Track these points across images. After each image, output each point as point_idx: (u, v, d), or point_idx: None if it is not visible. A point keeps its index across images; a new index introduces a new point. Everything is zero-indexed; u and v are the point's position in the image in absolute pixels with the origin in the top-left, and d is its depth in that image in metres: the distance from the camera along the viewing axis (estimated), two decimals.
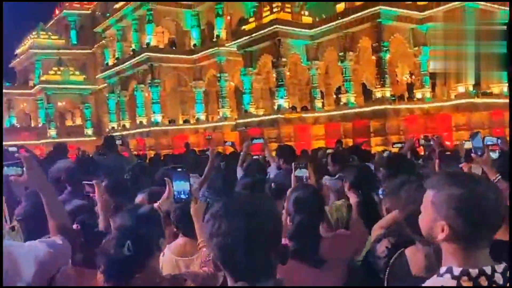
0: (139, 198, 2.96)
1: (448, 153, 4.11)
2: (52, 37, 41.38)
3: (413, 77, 26.61)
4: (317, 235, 2.35)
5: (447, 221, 1.35)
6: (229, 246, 1.27)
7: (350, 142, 21.46)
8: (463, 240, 1.35)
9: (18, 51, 44.53)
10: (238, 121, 25.38)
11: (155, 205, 2.23)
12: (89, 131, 38.50)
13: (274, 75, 23.95)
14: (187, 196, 2.28)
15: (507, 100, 21.56)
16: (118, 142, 6.57)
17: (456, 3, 19.94)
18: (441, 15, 20.71)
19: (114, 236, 1.77)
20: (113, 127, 34.03)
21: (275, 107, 23.33)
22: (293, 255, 2.12)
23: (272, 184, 3.37)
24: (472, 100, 20.12)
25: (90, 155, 8.82)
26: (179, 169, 2.35)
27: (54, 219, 1.94)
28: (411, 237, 1.99)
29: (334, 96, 27.95)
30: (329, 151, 6.95)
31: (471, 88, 20.51)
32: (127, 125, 32.12)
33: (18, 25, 45.72)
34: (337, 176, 4.17)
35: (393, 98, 21.19)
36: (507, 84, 22.08)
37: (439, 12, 20.72)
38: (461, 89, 20.53)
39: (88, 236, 2.13)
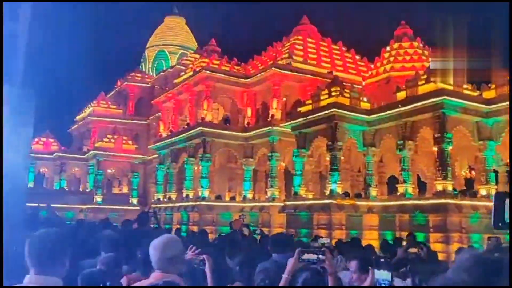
0: None
1: None
2: (111, 106, 43.07)
3: (473, 172, 25.34)
4: None
5: None
6: None
7: (405, 235, 20.11)
8: None
9: (77, 117, 46.50)
10: (287, 203, 24.50)
11: None
12: (134, 200, 38.51)
13: (328, 158, 23.31)
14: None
15: None
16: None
17: None
18: (507, 109, 19.80)
19: None
20: (158, 198, 33.85)
21: (327, 192, 22.42)
22: None
23: None
24: None
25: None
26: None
27: None
28: None
29: (387, 186, 26.91)
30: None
31: None
32: (173, 197, 31.84)
33: (82, 93, 48.25)
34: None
35: (456, 192, 19.87)
36: None
37: (507, 107, 19.81)
38: None
39: None
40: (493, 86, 20.92)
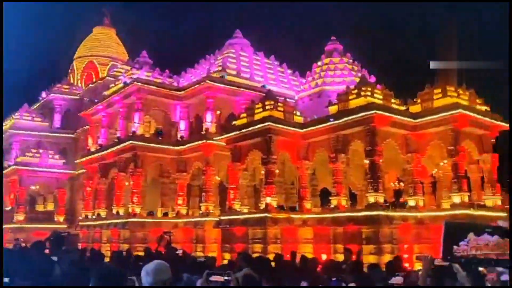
0: None
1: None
2: (36, 119, 40.67)
3: (401, 183, 26.25)
4: None
5: None
6: None
7: (339, 247, 20.33)
8: None
9: None
10: (222, 217, 24.07)
11: None
12: (60, 218, 36.40)
13: (263, 172, 23.21)
14: None
15: (501, 213, 21.01)
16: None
17: (450, 112, 20.03)
18: (435, 122, 20.72)
19: None
20: (86, 216, 32.18)
21: (262, 205, 22.25)
22: None
23: None
24: (468, 211, 19.42)
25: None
26: None
27: None
28: None
29: (320, 198, 27.21)
30: None
31: (466, 199, 19.91)
32: (102, 214, 30.37)
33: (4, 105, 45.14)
34: None
35: (387, 204, 20.39)
36: (500, 197, 21.72)
37: (433, 120, 20.72)
38: (456, 199, 19.91)
39: None
40: (419, 101, 21.81)
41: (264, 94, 25.18)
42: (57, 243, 6.38)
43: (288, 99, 25.81)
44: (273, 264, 8.68)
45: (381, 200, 20.12)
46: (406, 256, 19.37)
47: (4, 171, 37.38)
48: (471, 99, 21.44)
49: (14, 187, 36.47)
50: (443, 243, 1.53)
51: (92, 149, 33.22)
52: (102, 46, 48.25)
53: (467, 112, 20.50)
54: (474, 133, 21.50)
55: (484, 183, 21.93)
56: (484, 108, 21.96)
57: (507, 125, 22.21)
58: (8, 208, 36.90)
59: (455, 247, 1.47)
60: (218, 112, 29.22)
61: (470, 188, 21.18)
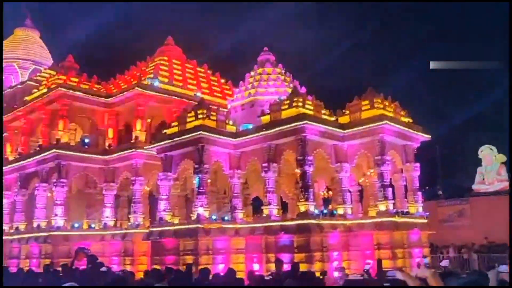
0: None
1: None
2: None
3: (330, 192, 26.96)
4: None
5: None
6: None
7: (272, 257, 20.40)
8: None
9: None
10: (152, 229, 23.37)
11: None
12: None
13: (194, 181, 22.85)
14: None
15: (422, 220, 22.15)
16: None
17: (376, 124, 20.85)
18: (362, 133, 21.48)
19: None
20: (4, 229, 29.95)
21: (194, 216, 21.87)
22: None
23: None
24: (393, 218, 20.25)
25: None
26: None
27: None
28: None
29: (252, 207, 27.28)
30: None
31: (391, 207, 20.76)
32: (22, 227, 28.44)
33: None
34: None
35: (318, 213, 20.77)
36: (421, 205, 22.89)
37: (360, 130, 21.47)
38: (382, 207, 20.70)
39: None
40: (347, 112, 22.53)
41: (196, 103, 24.88)
42: None
43: (221, 108, 25.68)
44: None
45: (312, 209, 20.47)
46: (336, 263, 19.87)
47: None
48: (396, 111, 22.47)
49: None
50: None
51: (11, 158, 31.12)
52: (23, 49, 45.53)
53: (392, 124, 21.45)
54: (398, 143, 22.52)
55: (407, 191, 23.01)
56: (407, 119, 23.09)
57: (428, 136, 23.54)
58: None
59: None
60: (149, 120, 28.51)
61: (394, 196, 22.14)
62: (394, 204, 21.30)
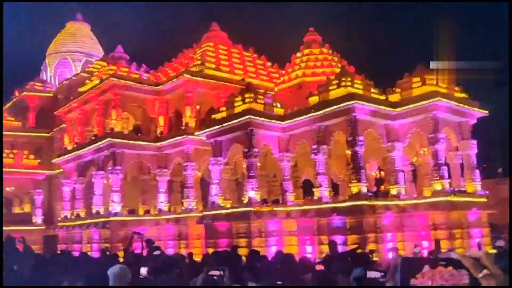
0: None
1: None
2: (8, 118, 39.57)
3: (382, 172, 26.41)
4: None
5: None
6: None
7: (324, 239, 20.33)
8: None
9: None
10: (205, 213, 23.82)
11: None
12: (38, 219, 35.57)
13: (244, 165, 23.02)
14: None
15: (481, 199, 21.33)
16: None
17: (429, 100, 20.15)
18: (414, 111, 20.83)
19: None
20: (65, 216, 31.51)
21: (245, 200, 22.08)
22: None
23: None
24: (449, 198, 19.61)
25: None
26: None
27: None
28: None
29: (302, 190, 27.23)
30: None
31: (447, 186, 20.10)
32: (82, 214, 29.78)
33: None
34: None
35: (370, 194, 20.44)
36: (479, 183, 22.02)
37: (412, 108, 20.82)
38: (437, 186, 20.08)
39: None
40: (398, 90, 21.89)
41: (243, 87, 24.91)
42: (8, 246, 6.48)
43: (268, 92, 25.62)
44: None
45: (364, 190, 20.16)
46: (390, 245, 19.53)
47: None
48: (449, 87, 21.60)
49: None
50: (400, 277, 1.48)
51: (69, 148, 32.48)
52: (75, 42, 47.16)
53: (446, 100, 20.65)
54: (453, 120, 21.69)
55: (464, 169, 22.19)
56: (462, 95, 22.16)
57: (485, 111, 22.52)
58: None
59: (412, 280, 1.44)
60: (198, 106, 28.86)
61: (450, 175, 21.41)
62: (450, 183, 20.61)
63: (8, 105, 42.69)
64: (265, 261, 9.04)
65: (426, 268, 1.27)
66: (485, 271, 1.10)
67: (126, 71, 29.69)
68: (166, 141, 28.04)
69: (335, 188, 27.10)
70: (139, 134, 29.47)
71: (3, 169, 34.65)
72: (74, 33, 47.93)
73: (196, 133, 25.82)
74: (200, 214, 24.51)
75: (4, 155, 35.53)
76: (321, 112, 21.24)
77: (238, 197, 25.65)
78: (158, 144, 28.38)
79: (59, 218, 32.60)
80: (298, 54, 26.48)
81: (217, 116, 24.08)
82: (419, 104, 20.61)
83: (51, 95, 41.02)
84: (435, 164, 20.27)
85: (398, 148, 21.54)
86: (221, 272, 4.24)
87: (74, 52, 46.52)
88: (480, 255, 1.18)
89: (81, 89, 32.09)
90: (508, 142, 18.66)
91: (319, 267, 9.18)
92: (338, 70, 23.33)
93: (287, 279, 6.35)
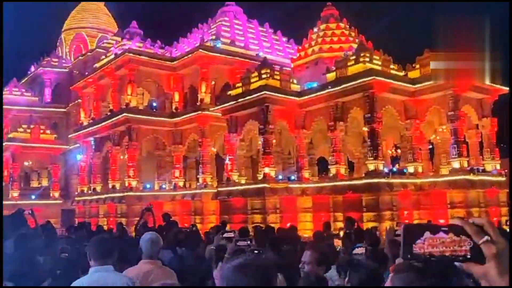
0: None
1: None
2: (25, 94, 39.83)
3: (398, 150, 26.09)
4: None
5: None
6: None
7: (339, 216, 20.27)
8: None
9: None
10: (220, 189, 23.87)
11: None
12: (56, 193, 36.07)
13: (260, 142, 22.91)
14: None
15: (500, 178, 20.98)
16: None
17: None
18: (434, 88, 20.38)
19: None
20: (82, 190, 31.90)
21: (260, 176, 22.03)
22: None
23: None
24: (467, 176, 19.32)
25: None
26: None
27: None
28: None
29: (317, 167, 27.05)
30: None
31: (466, 164, 19.78)
32: (98, 188, 30.09)
33: None
34: None
35: (387, 171, 20.23)
36: (499, 162, 21.64)
37: (432, 85, 20.37)
38: (455, 165, 19.78)
39: None
40: (417, 66, 21.40)
41: (259, 63, 24.61)
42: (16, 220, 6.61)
43: (284, 68, 25.29)
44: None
45: (381, 167, 19.95)
46: (406, 222, 19.39)
47: None
48: None
49: (7, 164, 35.96)
50: (402, 244, 1.41)
51: (85, 123, 32.67)
52: (90, 18, 46.99)
53: None
54: (473, 97, 21.23)
55: (483, 147, 21.80)
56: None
57: (507, 88, 21.94)
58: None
59: (413, 245, 1.38)
60: (213, 82, 28.67)
61: (468, 153, 21.05)
62: (468, 161, 20.28)
63: (24, 80, 42.95)
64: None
65: (427, 234, 1.25)
66: (486, 238, 1.11)
67: (141, 46, 29.54)
68: (181, 117, 28.00)
69: (350, 166, 26.90)
70: (155, 110, 29.49)
71: (21, 144, 35.11)
72: (89, 9, 47.72)
73: (211, 109, 25.71)
74: (215, 190, 24.58)
75: (20, 130, 35.92)
76: (338, 88, 20.92)
77: (253, 173, 25.63)
78: (173, 120, 28.37)
79: (76, 193, 33.01)
80: (315, 29, 25.96)
81: (233, 92, 23.89)
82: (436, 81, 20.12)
83: (66, 70, 41.12)
84: (454, 141, 19.90)
85: (416, 125, 21.19)
86: (248, 242, 4.37)
87: (89, 28, 46.37)
88: (483, 222, 1.19)
89: (97, 65, 32.08)
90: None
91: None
92: (355, 46, 22.86)
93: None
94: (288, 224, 17.50)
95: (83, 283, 3.56)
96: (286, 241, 7.25)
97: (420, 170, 21.16)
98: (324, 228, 10.59)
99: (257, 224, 15.65)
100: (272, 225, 18.74)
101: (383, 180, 19.39)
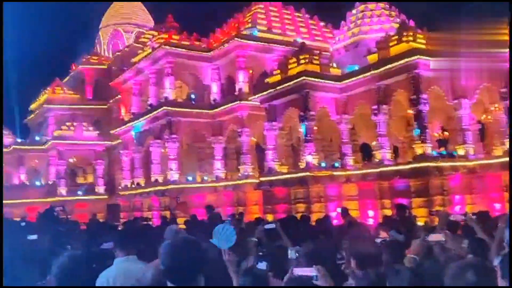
0: None
1: None
2: (67, 92, 40.70)
3: (445, 133, 24.94)
4: None
5: None
6: None
7: (387, 203, 19.55)
8: None
9: (32, 106, 43.88)
10: (262, 179, 23.52)
11: None
12: (101, 189, 36.77)
13: (301, 129, 22.35)
14: None
15: None
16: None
17: (502, 50, 18.47)
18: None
19: None
20: (126, 185, 32.33)
21: (302, 164, 21.52)
22: None
23: None
24: None
25: None
26: None
27: None
28: None
29: (360, 153, 26.24)
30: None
31: None
32: (141, 182, 30.39)
33: (36, 81, 45.43)
34: None
35: (436, 155, 19.30)
36: None
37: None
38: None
39: None
40: None
41: (297, 49, 23.98)
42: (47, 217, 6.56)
43: (323, 52, 24.55)
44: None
45: (429, 150, 19.05)
46: (458, 207, 18.47)
47: (43, 145, 37.80)
48: None
49: (54, 161, 36.90)
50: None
51: (126, 118, 33.02)
52: (126, 14, 47.48)
53: None
54: None
55: None
56: None
57: None
58: (50, 182, 37.55)
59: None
60: (250, 71, 28.26)
61: None
62: None
63: (66, 79, 43.91)
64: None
65: None
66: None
67: (177, 39, 29.42)
68: (220, 108, 27.79)
69: (394, 150, 25.97)
70: (193, 102, 29.40)
71: (66, 141, 35.94)
72: (124, 5, 48.20)
73: (249, 98, 25.34)
74: (257, 180, 24.26)
75: (64, 127, 36.75)
76: (381, 70, 20.08)
77: (294, 162, 25.15)
78: (212, 111, 28.19)
79: (120, 187, 33.50)
80: (353, 11, 25.09)
81: (271, 79, 23.42)
82: (490, 55, 18.95)
83: (105, 67, 41.68)
84: (509, 121, 18.71)
85: (466, 105, 20.07)
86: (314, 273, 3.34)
87: (126, 24, 46.87)
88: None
89: (134, 60, 32.25)
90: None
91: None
92: (396, 26, 21.89)
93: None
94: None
95: (110, 274, 3.67)
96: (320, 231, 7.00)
97: (471, 152, 20.08)
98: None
99: (303, 214, 15.27)
100: (317, 214, 18.32)
101: (432, 164, 18.49)
